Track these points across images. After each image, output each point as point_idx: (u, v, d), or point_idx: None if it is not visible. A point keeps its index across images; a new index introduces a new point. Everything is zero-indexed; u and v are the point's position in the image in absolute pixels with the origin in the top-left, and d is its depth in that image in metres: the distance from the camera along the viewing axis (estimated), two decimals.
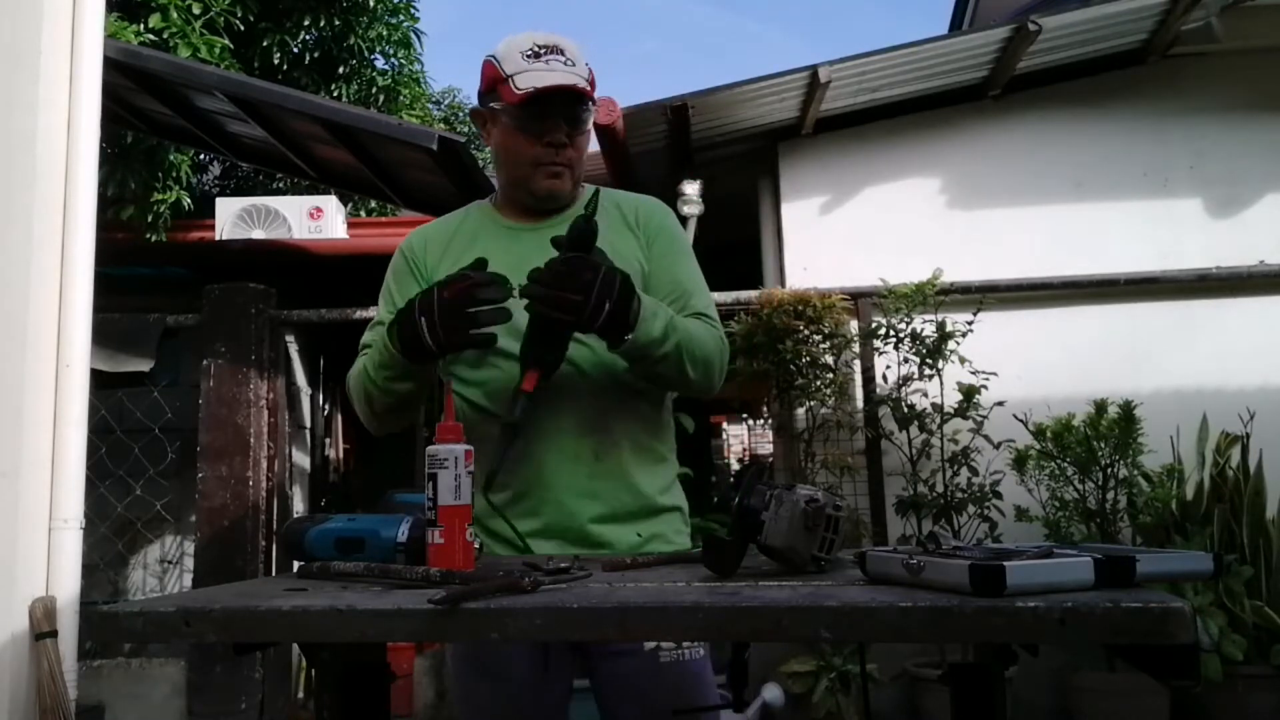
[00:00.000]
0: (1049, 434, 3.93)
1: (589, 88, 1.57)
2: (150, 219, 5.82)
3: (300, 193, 6.87)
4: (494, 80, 1.59)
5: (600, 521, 1.52)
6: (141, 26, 6.17)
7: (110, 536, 4.45)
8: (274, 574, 4.03)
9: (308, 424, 5.35)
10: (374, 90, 7.81)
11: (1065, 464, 3.93)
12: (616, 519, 1.54)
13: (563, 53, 1.57)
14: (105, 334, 3.88)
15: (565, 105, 1.56)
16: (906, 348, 4.13)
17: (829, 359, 4.21)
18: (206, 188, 8.33)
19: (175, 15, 6.29)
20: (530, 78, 1.53)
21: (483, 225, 1.69)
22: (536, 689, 1.51)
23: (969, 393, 3.97)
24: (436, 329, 1.40)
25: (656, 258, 1.66)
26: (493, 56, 1.61)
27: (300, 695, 4.51)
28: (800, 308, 4.12)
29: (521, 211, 1.67)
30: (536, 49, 1.56)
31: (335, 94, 7.45)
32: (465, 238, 1.67)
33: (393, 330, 1.47)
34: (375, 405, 1.58)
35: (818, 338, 4.16)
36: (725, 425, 11.26)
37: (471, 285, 1.40)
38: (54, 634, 2.60)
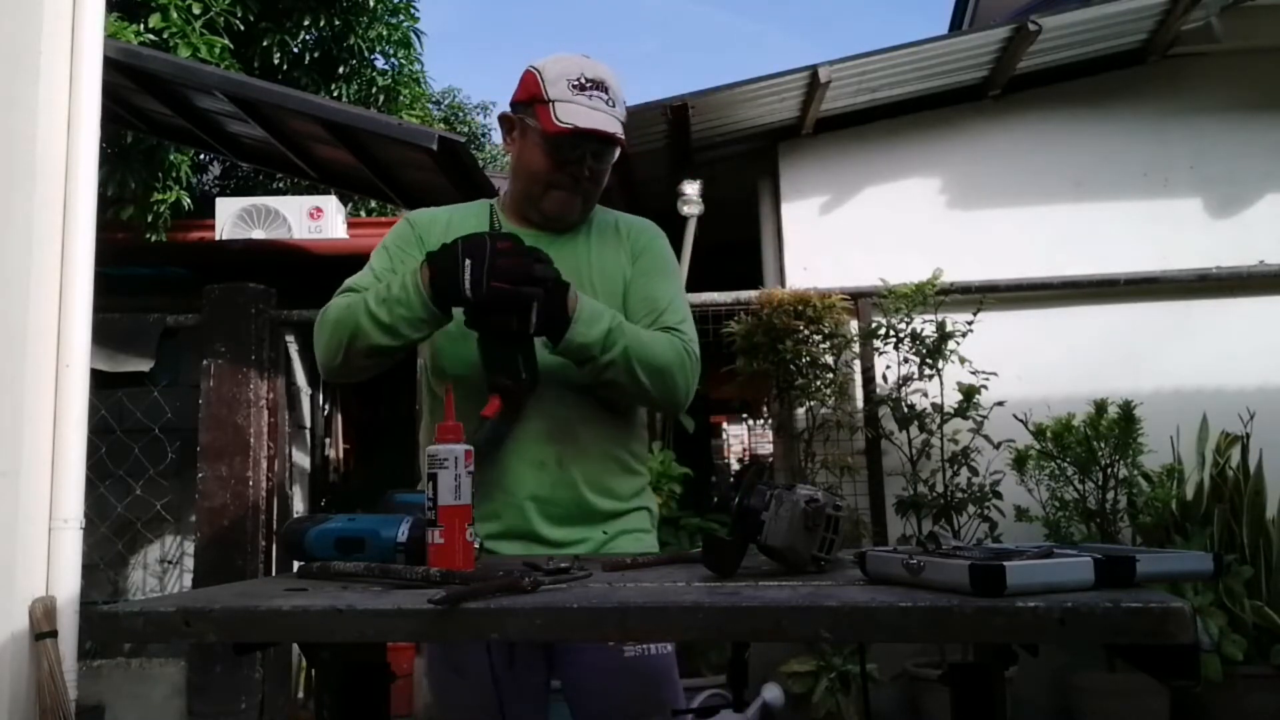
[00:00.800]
0: (1049, 434, 3.93)
1: (622, 134, 1.60)
2: (150, 219, 5.83)
3: (300, 193, 6.87)
4: (534, 98, 1.60)
5: (561, 524, 1.55)
6: (141, 26, 6.18)
7: (110, 536, 4.45)
8: (274, 574, 4.03)
9: (308, 424, 5.35)
10: (374, 90, 7.82)
11: (1065, 464, 3.93)
12: (575, 523, 1.56)
13: (607, 90, 1.60)
14: (105, 334, 3.88)
15: (596, 143, 1.60)
16: (906, 348, 4.13)
17: (829, 359, 4.21)
18: (206, 188, 8.33)
19: (175, 15, 6.29)
20: (572, 112, 1.56)
21: (485, 223, 1.69)
22: (506, 686, 1.51)
23: (969, 393, 3.97)
24: (481, 274, 1.39)
25: (638, 273, 1.69)
26: (538, 71, 1.62)
27: (300, 695, 4.51)
28: (800, 308, 4.12)
29: (526, 222, 1.69)
30: (584, 81, 1.58)
31: (335, 94, 7.46)
32: (468, 229, 1.66)
33: (422, 269, 1.45)
34: (357, 344, 1.52)
35: (818, 338, 4.16)
36: (725, 425, 11.27)
37: (521, 246, 1.43)
38: (54, 634, 2.60)
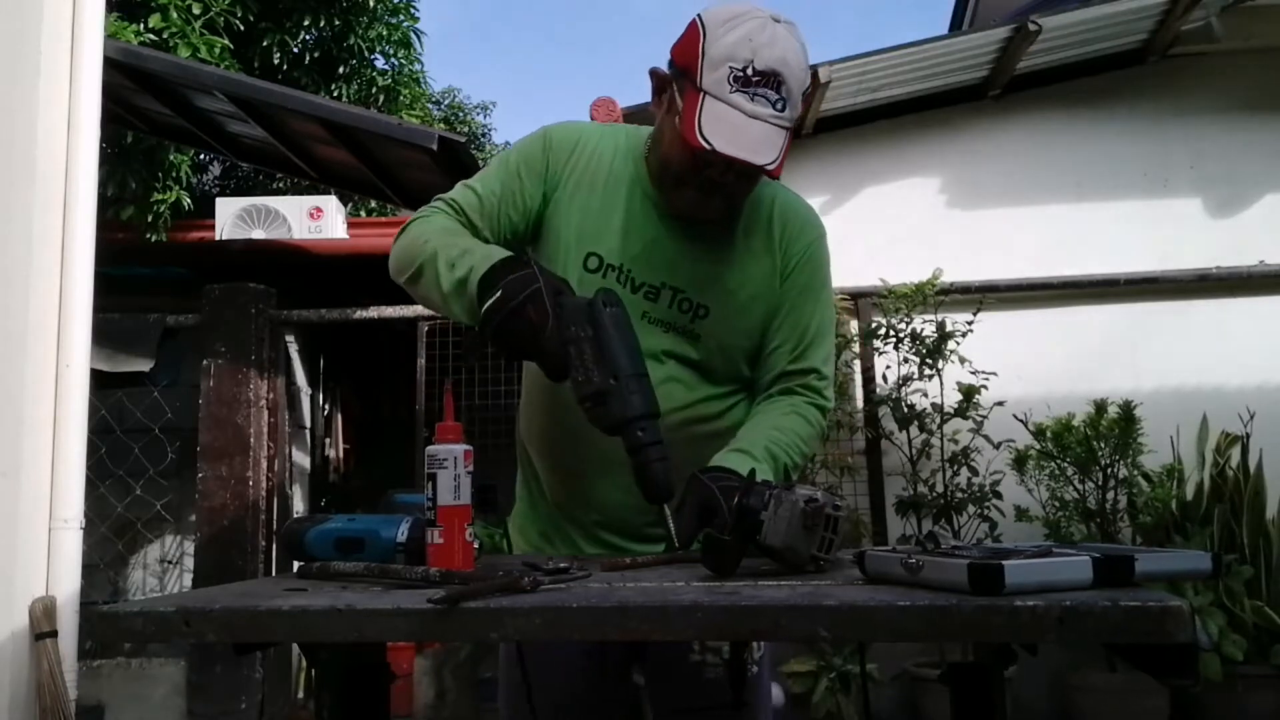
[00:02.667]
0: (1049, 434, 3.93)
1: (779, 155, 1.31)
2: (150, 219, 5.82)
3: (300, 193, 6.87)
4: (687, 72, 1.33)
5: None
6: (141, 26, 6.17)
7: (110, 536, 4.45)
8: (274, 574, 4.03)
9: (308, 424, 5.35)
10: (374, 90, 7.81)
11: (1065, 464, 3.93)
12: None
13: (781, 85, 1.30)
14: (105, 334, 3.88)
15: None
16: (906, 348, 4.13)
17: None
18: (206, 188, 8.33)
19: (175, 15, 6.29)
20: (721, 120, 1.29)
21: (631, 186, 1.47)
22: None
23: (969, 393, 3.97)
24: (522, 321, 1.22)
25: (790, 291, 1.48)
26: (702, 33, 1.32)
27: (300, 695, 4.51)
28: None
29: (661, 195, 1.46)
30: (751, 74, 1.29)
31: (335, 94, 7.45)
32: (608, 185, 1.48)
33: (488, 275, 1.27)
34: (419, 287, 1.40)
35: None
36: None
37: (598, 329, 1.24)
38: (54, 634, 2.60)
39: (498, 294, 1.23)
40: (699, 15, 1.36)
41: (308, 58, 7.46)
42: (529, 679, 1.42)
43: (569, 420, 1.39)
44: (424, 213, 1.47)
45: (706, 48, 1.31)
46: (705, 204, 1.41)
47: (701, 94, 1.30)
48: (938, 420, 4.04)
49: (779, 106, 1.31)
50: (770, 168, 1.31)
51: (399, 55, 8.09)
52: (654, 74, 1.42)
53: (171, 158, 6.15)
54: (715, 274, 1.45)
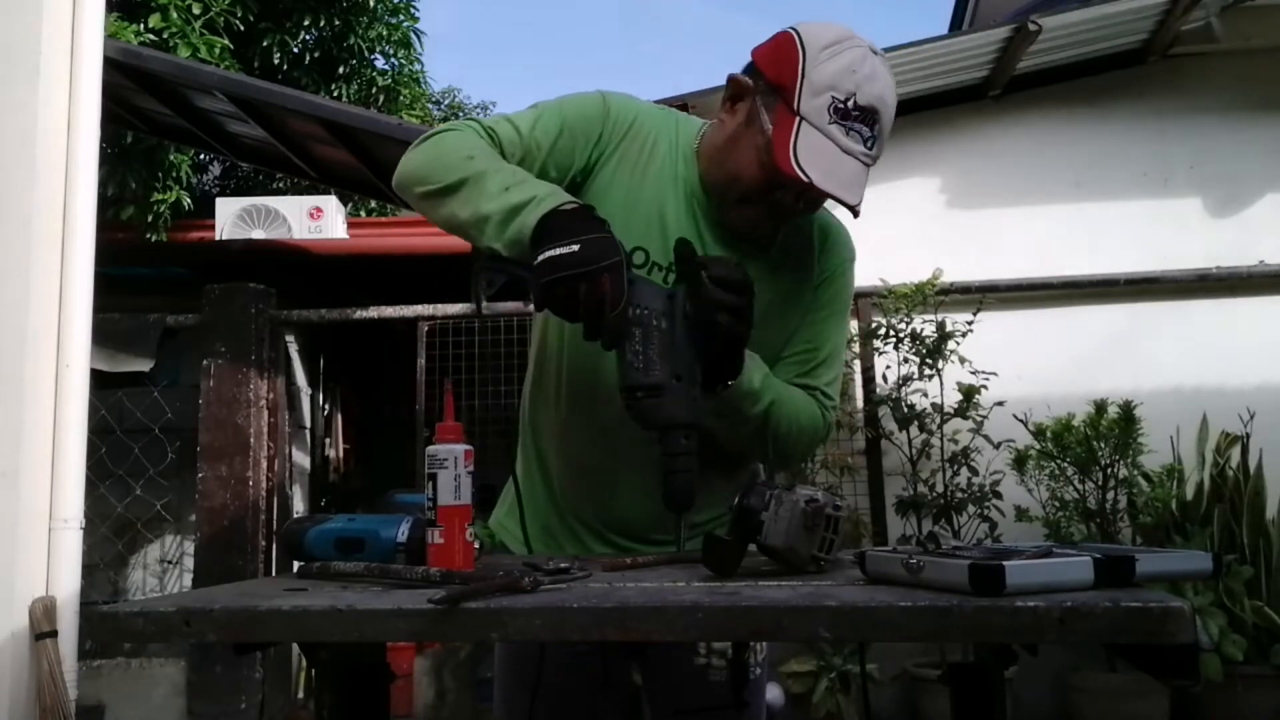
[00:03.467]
0: (1049, 434, 3.93)
1: (862, 193, 1.30)
2: (150, 219, 5.83)
3: (300, 193, 6.87)
4: (782, 90, 1.26)
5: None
6: (141, 26, 6.18)
7: (110, 536, 4.45)
8: (274, 574, 4.03)
9: (308, 424, 5.35)
10: (374, 90, 7.82)
11: (1065, 464, 3.93)
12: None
13: (875, 122, 1.26)
14: (105, 334, 3.88)
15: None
16: (906, 348, 4.13)
17: None
18: (206, 188, 8.33)
19: (175, 15, 6.30)
20: (817, 152, 1.24)
21: (678, 184, 1.40)
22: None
23: (969, 393, 3.97)
24: (580, 277, 1.12)
25: (815, 303, 1.45)
26: (802, 55, 1.25)
27: (300, 695, 4.51)
28: None
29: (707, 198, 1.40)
30: (853, 108, 1.24)
31: (335, 94, 7.45)
32: (659, 178, 1.39)
33: (557, 218, 1.16)
34: (443, 208, 1.27)
35: None
36: None
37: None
38: (54, 634, 2.60)
39: (573, 248, 1.12)
40: (796, 31, 1.29)
41: (308, 58, 7.47)
42: (543, 680, 1.41)
43: (602, 418, 1.36)
44: (455, 126, 1.34)
45: (807, 70, 1.24)
46: (763, 224, 1.37)
47: (798, 119, 1.24)
48: (938, 420, 4.04)
49: (870, 144, 1.27)
50: (857, 207, 1.28)
51: (399, 55, 8.10)
52: (734, 81, 1.34)
53: (171, 158, 6.15)
54: (759, 296, 1.40)
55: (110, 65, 3.38)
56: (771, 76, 1.28)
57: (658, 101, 1.56)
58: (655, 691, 1.49)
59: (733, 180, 1.33)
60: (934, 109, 4.72)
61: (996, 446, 3.97)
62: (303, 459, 5.22)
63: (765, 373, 1.34)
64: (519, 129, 1.34)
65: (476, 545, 1.21)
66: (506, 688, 1.53)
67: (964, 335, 4.06)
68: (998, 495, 3.92)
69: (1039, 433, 3.95)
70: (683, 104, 4.30)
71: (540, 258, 1.13)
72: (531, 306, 1.22)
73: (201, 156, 7.45)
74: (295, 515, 4.82)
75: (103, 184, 4.39)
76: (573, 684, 1.45)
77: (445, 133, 1.33)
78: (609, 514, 1.46)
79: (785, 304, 1.42)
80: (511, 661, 1.52)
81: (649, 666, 1.47)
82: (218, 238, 5.52)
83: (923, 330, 4.11)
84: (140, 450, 4.39)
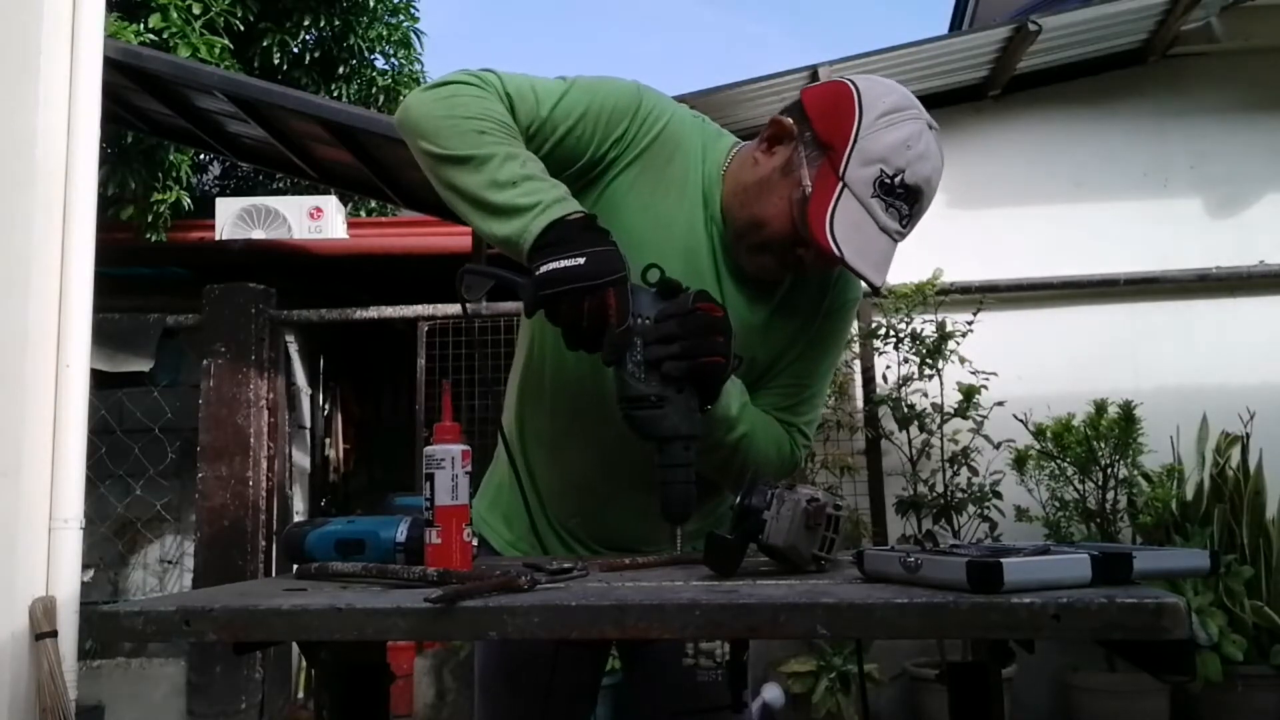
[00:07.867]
0: (1049, 434, 3.93)
1: (887, 274, 1.26)
2: (150, 219, 5.83)
3: (300, 193, 6.87)
4: (832, 145, 1.21)
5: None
6: (141, 26, 6.18)
7: (110, 536, 4.45)
8: (274, 574, 4.04)
9: (308, 424, 5.35)
10: (374, 90, 7.82)
11: (1065, 464, 3.93)
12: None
13: (916, 203, 1.24)
14: (105, 334, 3.89)
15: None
16: (906, 348, 4.13)
17: None
18: (206, 188, 8.33)
19: (175, 15, 6.30)
20: (854, 226, 1.19)
21: (700, 207, 1.34)
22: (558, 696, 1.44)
23: (969, 393, 3.97)
24: (578, 297, 1.10)
25: (815, 336, 1.42)
26: (859, 113, 1.21)
27: (300, 695, 4.51)
28: None
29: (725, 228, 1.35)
30: (898, 184, 1.21)
31: (335, 94, 7.46)
32: (685, 194, 1.34)
33: (563, 227, 1.14)
34: (455, 182, 1.23)
35: None
36: None
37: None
38: (54, 634, 2.60)
39: (578, 261, 1.10)
40: (855, 85, 1.24)
41: (308, 58, 7.47)
42: (555, 679, 1.41)
43: (602, 437, 1.34)
44: (473, 81, 1.26)
45: (861, 135, 1.20)
46: (775, 272, 1.33)
47: (841, 185, 1.20)
48: (938, 420, 4.04)
49: (904, 224, 1.24)
50: (880, 288, 1.25)
51: (399, 55, 8.10)
52: (777, 123, 1.29)
53: (171, 158, 6.16)
54: (757, 325, 1.36)
55: (110, 65, 3.38)
56: (821, 130, 1.24)
57: None
58: (651, 693, 1.50)
59: (757, 226, 1.29)
60: (934, 109, 4.63)
61: (996, 446, 3.97)
62: (303, 459, 5.22)
63: (744, 402, 1.32)
64: (540, 103, 1.28)
65: (474, 545, 1.21)
66: (486, 693, 1.54)
67: (964, 335, 4.06)
68: (998, 495, 3.92)
69: (1039, 433, 3.95)
70: (683, 104, 4.29)
71: (544, 269, 1.12)
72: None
73: (201, 156, 7.44)
74: (295, 515, 4.83)
75: (103, 184, 4.39)
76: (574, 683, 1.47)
77: (463, 86, 1.25)
78: (599, 530, 1.46)
79: (789, 344, 1.40)
80: (507, 666, 1.52)
81: (638, 669, 1.48)
82: (218, 238, 5.52)
83: (923, 330, 4.11)
84: (140, 450, 4.39)
